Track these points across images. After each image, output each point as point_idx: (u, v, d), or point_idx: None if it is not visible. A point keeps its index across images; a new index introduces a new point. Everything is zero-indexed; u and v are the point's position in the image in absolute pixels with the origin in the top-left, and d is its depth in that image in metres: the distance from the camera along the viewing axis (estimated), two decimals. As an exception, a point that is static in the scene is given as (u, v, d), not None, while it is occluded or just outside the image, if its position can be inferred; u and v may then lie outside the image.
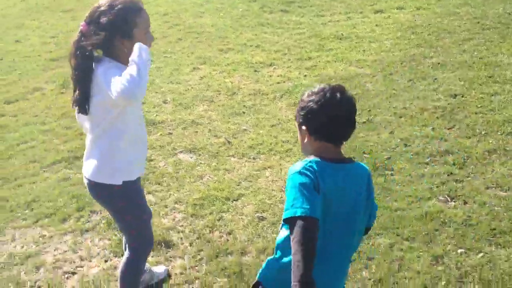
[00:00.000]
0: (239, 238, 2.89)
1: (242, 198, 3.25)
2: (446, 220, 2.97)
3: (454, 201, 3.14)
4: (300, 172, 1.49)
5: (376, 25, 6.24)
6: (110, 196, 2.06)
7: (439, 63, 5.07)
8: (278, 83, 4.86)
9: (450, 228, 2.92)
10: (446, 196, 3.20)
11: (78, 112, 2.01)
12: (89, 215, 3.15)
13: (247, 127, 4.11)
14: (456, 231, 2.90)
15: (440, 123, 4.01)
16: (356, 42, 5.76)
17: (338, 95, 1.56)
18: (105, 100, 1.89)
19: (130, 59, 1.84)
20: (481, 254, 2.73)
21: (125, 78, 1.77)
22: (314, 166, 1.51)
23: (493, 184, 3.27)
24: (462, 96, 4.38)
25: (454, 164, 3.49)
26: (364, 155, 3.63)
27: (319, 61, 5.31)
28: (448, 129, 3.94)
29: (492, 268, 2.61)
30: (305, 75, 5.00)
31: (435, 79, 4.74)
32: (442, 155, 3.61)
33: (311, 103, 1.55)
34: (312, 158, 1.55)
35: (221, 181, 3.41)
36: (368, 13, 6.67)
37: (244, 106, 4.45)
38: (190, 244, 2.86)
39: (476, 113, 4.10)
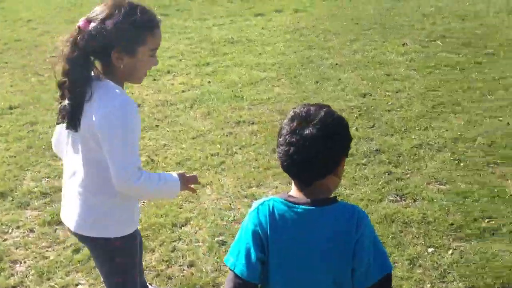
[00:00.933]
0: (204, 269, 2.57)
1: (191, 222, 2.93)
2: (406, 220, 2.97)
3: (405, 200, 3.16)
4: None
5: (262, 28, 6.22)
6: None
7: (336, 64, 5.18)
8: (183, 91, 4.56)
9: (412, 228, 2.92)
10: (395, 196, 3.21)
11: (67, 128, 1.57)
12: (10, 266, 2.57)
13: (166, 141, 3.75)
14: (419, 230, 2.91)
15: (361, 123, 4.06)
16: (248, 46, 5.66)
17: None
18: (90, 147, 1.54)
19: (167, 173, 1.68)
20: (450, 251, 2.76)
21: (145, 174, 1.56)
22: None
23: (431, 179, 3.36)
24: (371, 95, 4.49)
25: (389, 162, 3.53)
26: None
27: (218, 66, 5.10)
28: (370, 128, 3.99)
29: (466, 263, 2.64)
30: (209, 82, 4.75)
31: (339, 79, 4.82)
32: (375, 154, 3.63)
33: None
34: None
35: (159, 206, 3.04)
36: (249, 16, 6.63)
37: (155, 119, 4.07)
38: (150, 284, 2.47)
39: (389, 111, 4.22)
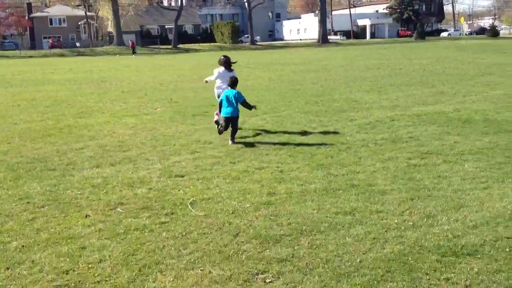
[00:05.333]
0: None
1: None
2: None
3: None
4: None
5: None
6: None
7: (23, 246, 5.14)
8: None
9: None
10: None
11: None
12: None
13: None
14: None
15: (77, 299, 4.13)
16: None
17: None
18: None
19: None
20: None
21: None
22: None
23: None
24: (74, 271, 4.65)
25: None
26: None
27: None
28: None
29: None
30: None
31: (33, 261, 4.82)
32: None
33: None
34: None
35: None
36: None
37: None
38: None
39: (98, 282, 4.44)
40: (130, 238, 5.49)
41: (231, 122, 10.04)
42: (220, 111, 10.18)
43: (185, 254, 5.06)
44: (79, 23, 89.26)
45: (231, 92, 10.03)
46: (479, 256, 4.87)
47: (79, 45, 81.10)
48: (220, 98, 10.26)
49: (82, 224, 5.90)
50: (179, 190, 7.09)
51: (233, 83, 10.16)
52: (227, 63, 10.95)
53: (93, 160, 8.94)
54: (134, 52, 65.99)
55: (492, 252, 4.94)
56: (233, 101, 9.96)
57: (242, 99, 10.03)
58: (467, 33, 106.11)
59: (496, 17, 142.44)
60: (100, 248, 5.25)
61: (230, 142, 10.02)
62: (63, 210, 6.38)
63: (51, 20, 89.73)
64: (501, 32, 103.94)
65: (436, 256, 4.86)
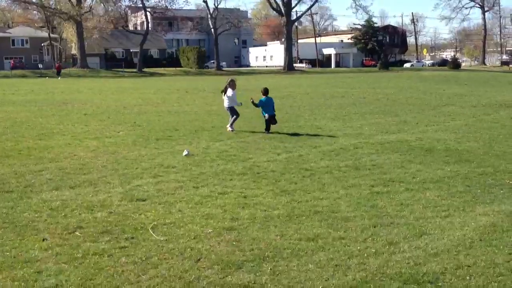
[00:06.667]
0: None
1: None
2: None
3: None
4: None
5: None
6: None
7: None
8: None
9: None
10: None
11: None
12: None
13: None
14: None
15: None
16: None
17: None
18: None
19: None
20: None
21: None
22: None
23: None
24: None
25: None
26: None
27: None
28: None
29: None
30: None
31: None
32: None
33: None
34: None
35: None
36: None
37: None
38: None
39: None
40: (88, 262, 5.38)
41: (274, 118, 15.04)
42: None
43: (144, 280, 4.98)
44: (42, 44, 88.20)
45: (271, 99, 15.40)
46: (440, 284, 4.92)
47: (41, 66, 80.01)
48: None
49: (39, 247, 5.76)
50: (140, 214, 7.00)
51: (266, 91, 15.31)
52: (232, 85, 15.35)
53: (52, 182, 8.76)
54: (58, 74, 64.47)
55: (452, 280, 5.01)
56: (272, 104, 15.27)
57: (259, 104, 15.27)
58: (429, 65, 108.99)
59: (457, 49, 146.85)
60: (57, 272, 5.12)
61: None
62: (19, 233, 6.22)
63: (13, 40, 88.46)
64: (463, 64, 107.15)
65: (398, 284, 4.90)
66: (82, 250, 5.71)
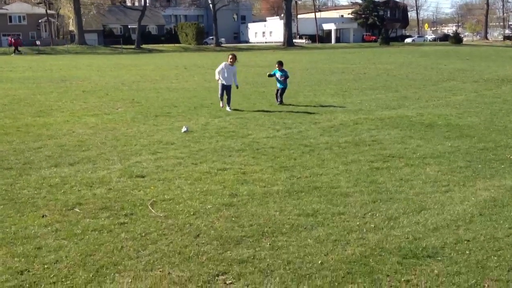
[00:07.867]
0: None
1: None
2: None
3: None
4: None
5: None
6: None
7: None
8: None
9: None
10: None
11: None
12: None
13: None
14: None
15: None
16: None
17: None
18: None
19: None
20: None
21: None
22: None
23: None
24: (29, 271, 4.58)
25: None
26: None
27: None
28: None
29: None
30: None
31: None
32: None
33: None
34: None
35: None
36: None
37: None
38: None
39: (54, 283, 4.36)
40: (87, 238, 5.40)
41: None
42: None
43: (144, 255, 5.00)
44: (40, 21, 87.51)
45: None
46: (439, 258, 4.95)
47: (39, 43, 79.52)
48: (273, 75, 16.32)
49: (38, 224, 5.77)
50: (139, 191, 7.01)
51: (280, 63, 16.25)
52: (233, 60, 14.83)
53: (51, 159, 8.76)
54: (17, 51, 62.35)
55: (452, 254, 5.03)
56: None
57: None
58: (431, 40, 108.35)
59: (459, 24, 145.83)
60: (57, 248, 5.14)
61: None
62: (19, 209, 6.24)
63: (10, 17, 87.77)
64: (464, 39, 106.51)
65: (397, 258, 4.93)
66: (81, 226, 5.73)
